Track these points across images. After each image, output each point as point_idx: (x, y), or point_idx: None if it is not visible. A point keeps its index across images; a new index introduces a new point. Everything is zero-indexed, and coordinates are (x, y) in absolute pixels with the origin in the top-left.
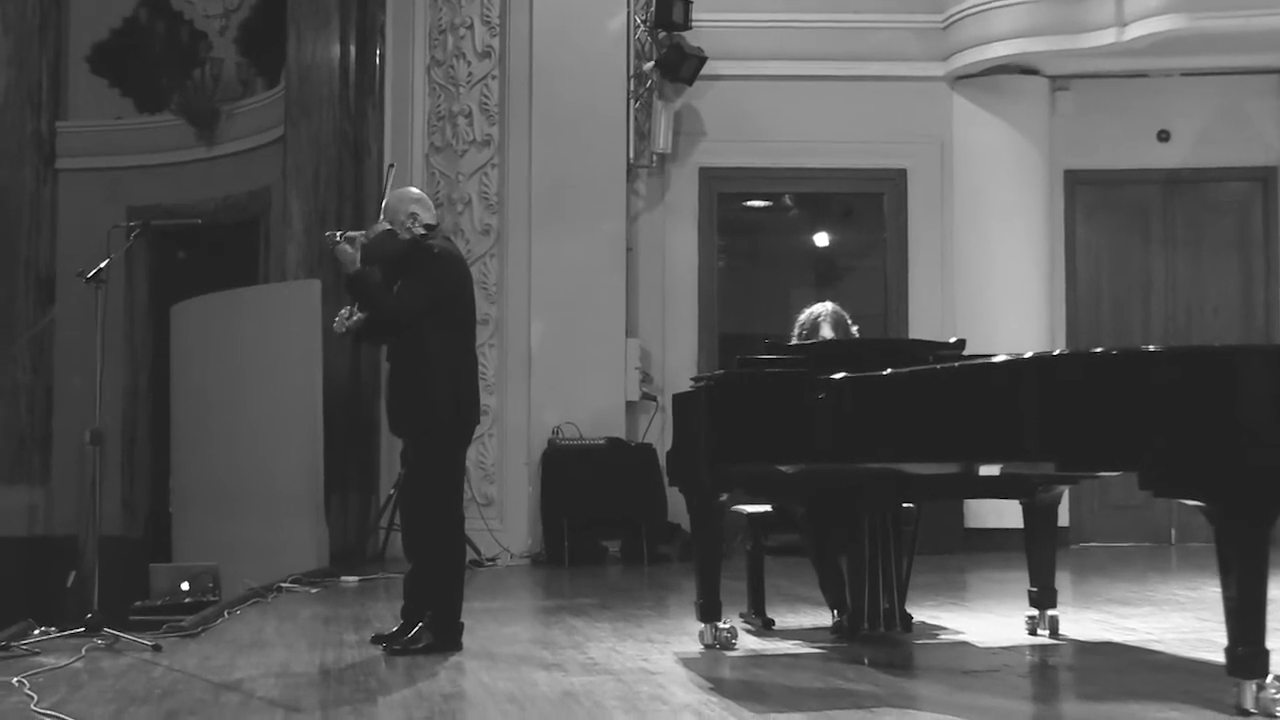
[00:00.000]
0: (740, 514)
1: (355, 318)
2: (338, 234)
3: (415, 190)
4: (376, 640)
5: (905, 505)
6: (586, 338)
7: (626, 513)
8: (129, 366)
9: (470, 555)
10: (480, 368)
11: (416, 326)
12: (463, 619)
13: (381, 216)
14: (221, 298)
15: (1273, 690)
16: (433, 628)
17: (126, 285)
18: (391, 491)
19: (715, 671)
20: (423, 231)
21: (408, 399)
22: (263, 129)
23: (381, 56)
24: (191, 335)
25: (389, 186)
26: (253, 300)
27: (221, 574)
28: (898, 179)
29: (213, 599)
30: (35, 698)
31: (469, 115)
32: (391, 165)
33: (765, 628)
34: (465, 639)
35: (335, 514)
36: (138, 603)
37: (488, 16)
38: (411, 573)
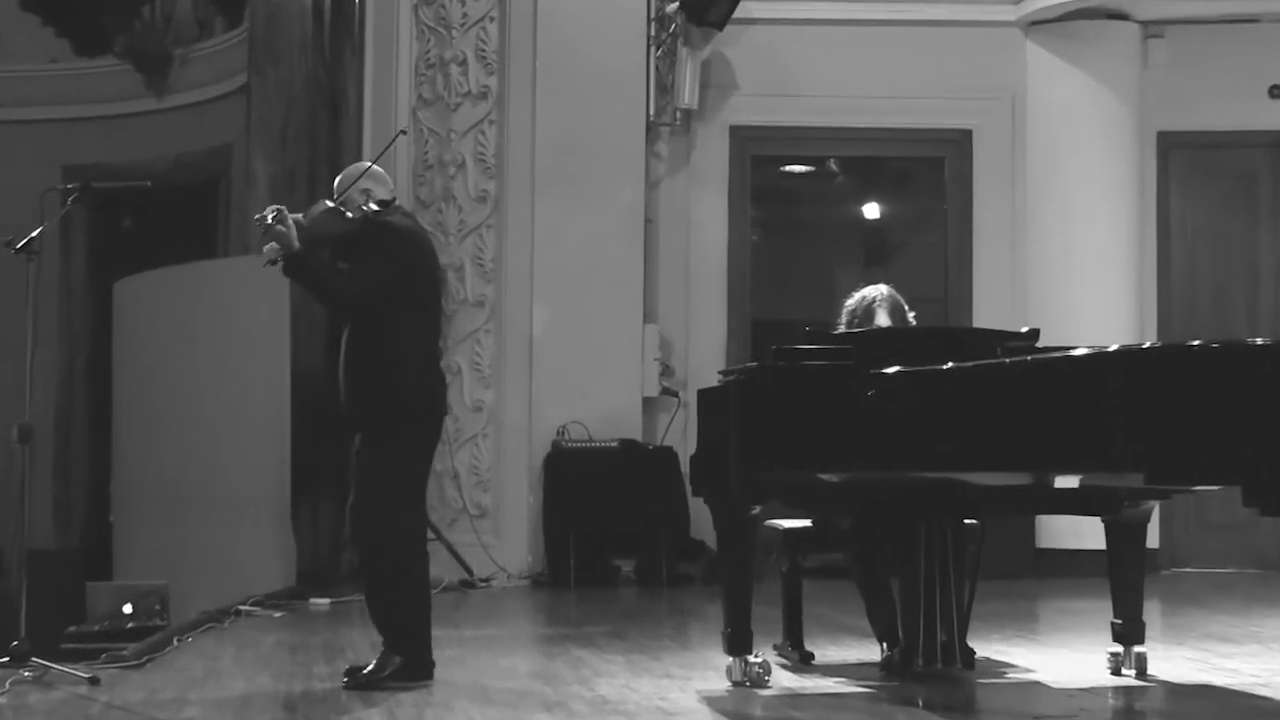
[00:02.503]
0: (775, 529)
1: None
2: (269, 215)
3: (368, 165)
4: (351, 674)
5: (968, 521)
6: (598, 323)
7: (642, 526)
8: (64, 352)
9: (461, 575)
10: (474, 357)
11: (379, 310)
12: (448, 648)
13: (334, 193)
14: (173, 273)
15: None
16: (396, 652)
17: (62, 257)
18: None
19: (745, 712)
20: (375, 208)
21: (372, 389)
22: (222, 76)
23: None
24: (138, 316)
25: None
26: (210, 276)
27: (171, 594)
28: (961, 141)
29: (160, 623)
30: None
31: (463, 63)
32: (403, 132)
33: (803, 662)
34: (455, 672)
35: (304, 525)
36: (72, 628)
37: None
38: (371, 596)
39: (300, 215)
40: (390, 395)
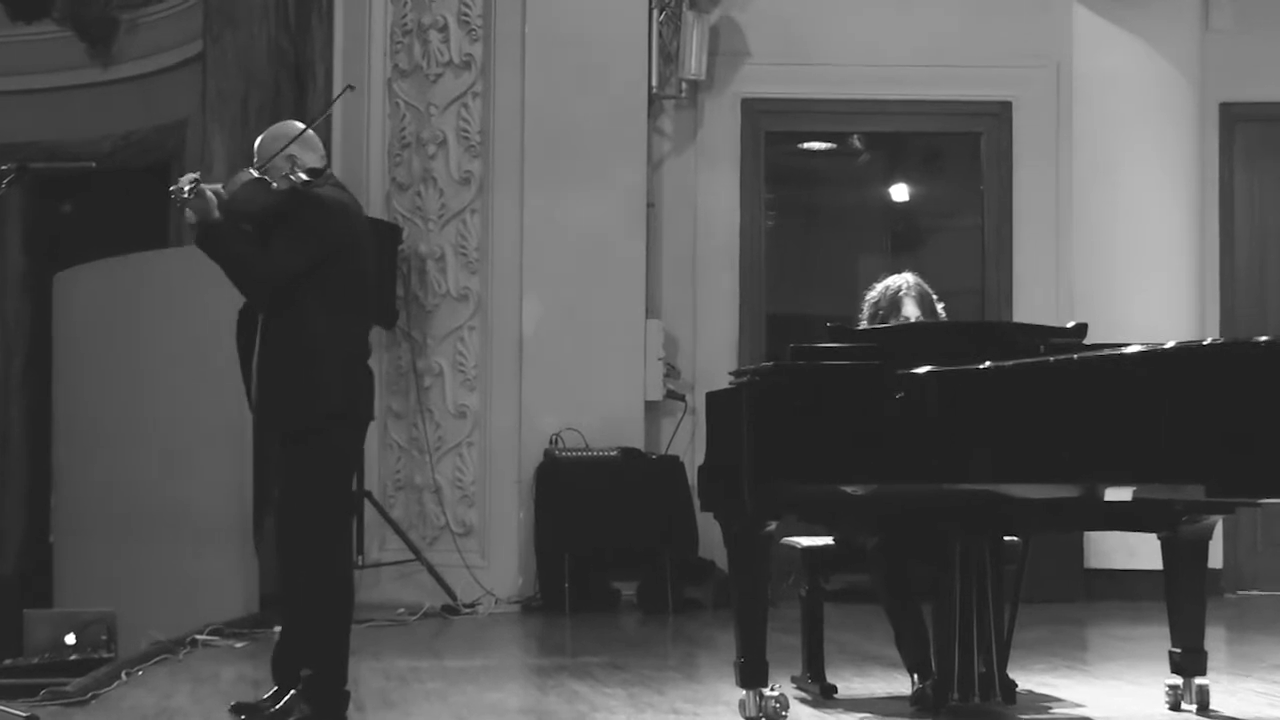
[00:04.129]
0: (793, 548)
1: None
2: (185, 186)
3: (298, 126)
4: (237, 710)
5: (1008, 539)
6: (595, 319)
7: (645, 545)
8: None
9: (443, 599)
10: (457, 357)
11: (298, 298)
12: (429, 681)
13: (255, 160)
14: (121, 264)
15: None
16: (309, 694)
17: None
18: None
19: None
20: (304, 178)
21: (286, 385)
22: (175, 44)
23: None
24: (81, 312)
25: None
26: (162, 268)
27: (118, 622)
28: (1000, 115)
29: (107, 655)
30: None
31: (444, 29)
32: (350, 88)
33: (824, 695)
34: (437, 708)
35: (268, 544)
36: (7, 660)
37: None
38: (286, 620)
39: (220, 186)
40: (306, 393)
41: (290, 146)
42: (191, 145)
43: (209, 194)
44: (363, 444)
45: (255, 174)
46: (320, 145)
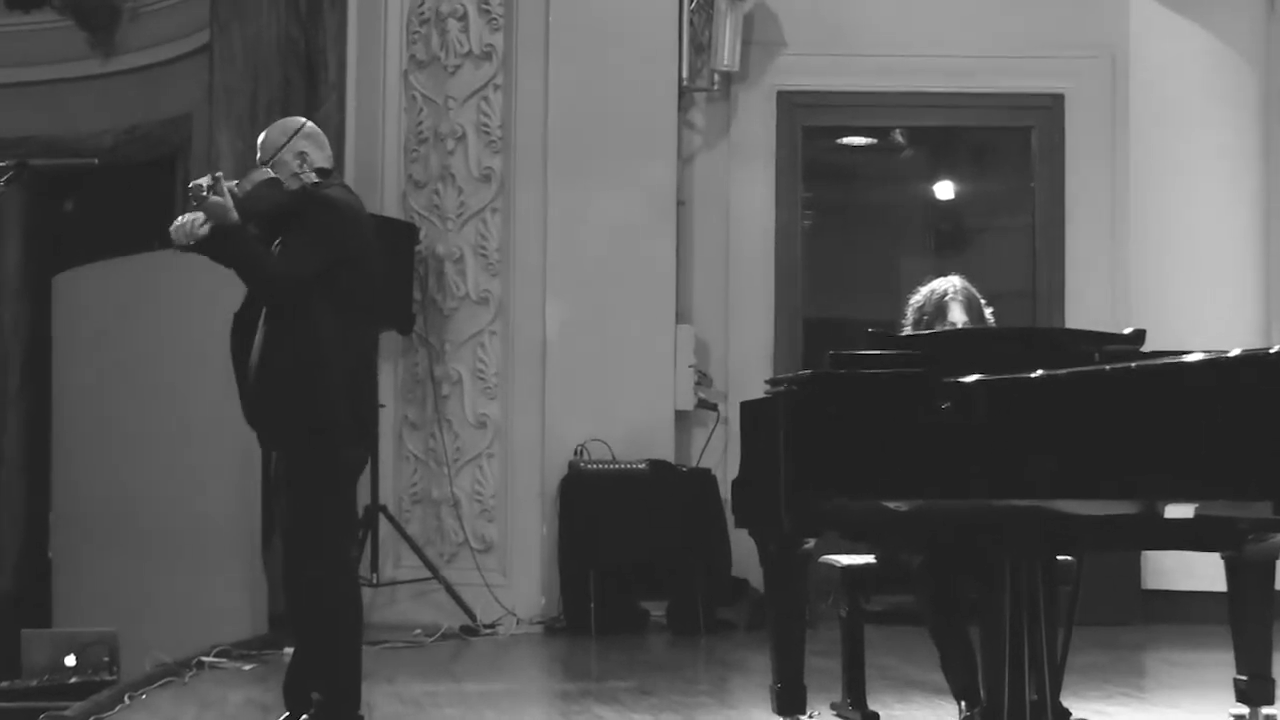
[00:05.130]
0: (833, 567)
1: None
2: (205, 185)
3: (307, 122)
4: None
5: (1061, 558)
6: (622, 324)
7: (675, 563)
8: None
9: (462, 619)
10: (477, 364)
11: (305, 302)
12: (447, 706)
13: (261, 156)
14: (123, 265)
15: None
16: (321, 719)
17: None
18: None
19: None
20: (314, 178)
21: (286, 390)
22: (180, 34)
23: None
24: (82, 316)
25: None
26: (167, 269)
27: (121, 643)
28: (1052, 107)
29: (109, 678)
30: None
31: (463, 17)
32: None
33: None
34: None
35: (277, 561)
36: (4, 683)
37: None
38: (298, 641)
39: (235, 183)
40: (307, 396)
41: (300, 143)
42: (197, 140)
43: (228, 194)
44: (368, 456)
45: (270, 173)
46: (328, 144)
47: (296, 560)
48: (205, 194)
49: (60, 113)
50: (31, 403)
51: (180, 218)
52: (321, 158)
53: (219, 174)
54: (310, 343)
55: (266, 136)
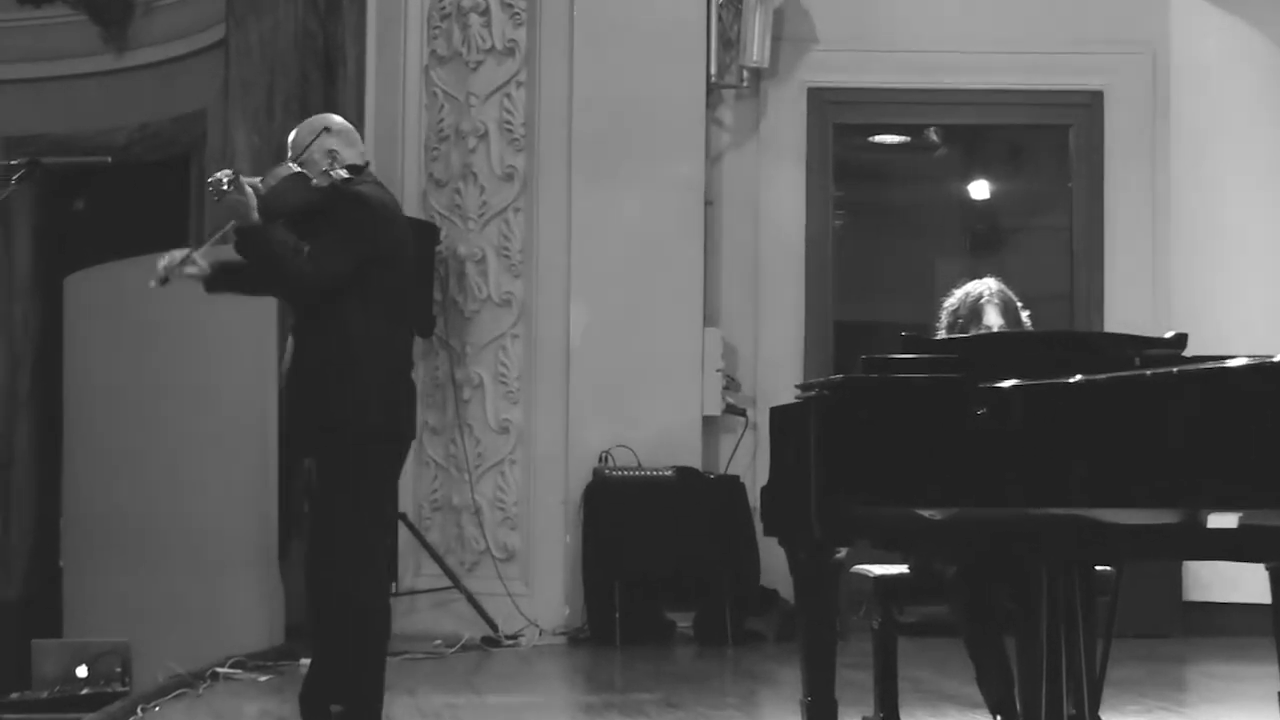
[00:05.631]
0: (865, 577)
1: (195, 263)
2: (224, 180)
3: (338, 118)
4: None
5: (1099, 568)
6: (648, 327)
7: (702, 572)
8: (5, 361)
9: (483, 630)
10: (499, 368)
11: (337, 303)
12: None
13: (291, 154)
14: (137, 266)
15: None
16: None
17: (2, 248)
18: None
19: None
20: (345, 175)
21: (320, 396)
22: (195, 29)
23: None
24: (94, 318)
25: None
26: None
27: (133, 653)
28: (1091, 105)
29: (121, 689)
30: None
31: (485, 12)
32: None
33: None
34: None
35: (294, 569)
36: (14, 694)
37: None
38: (316, 652)
39: (258, 180)
40: (342, 401)
41: (330, 140)
42: (212, 138)
43: (249, 190)
44: (402, 463)
45: (295, 168)
46: (360, 141)
47: (322, 571)
48: (225, 188)
49: (72, 109)
50: (42, 406)
51: (167, 255)
52: (353, 154)
53: (235, 170)
54: (341, 342)
55: (296, 134)
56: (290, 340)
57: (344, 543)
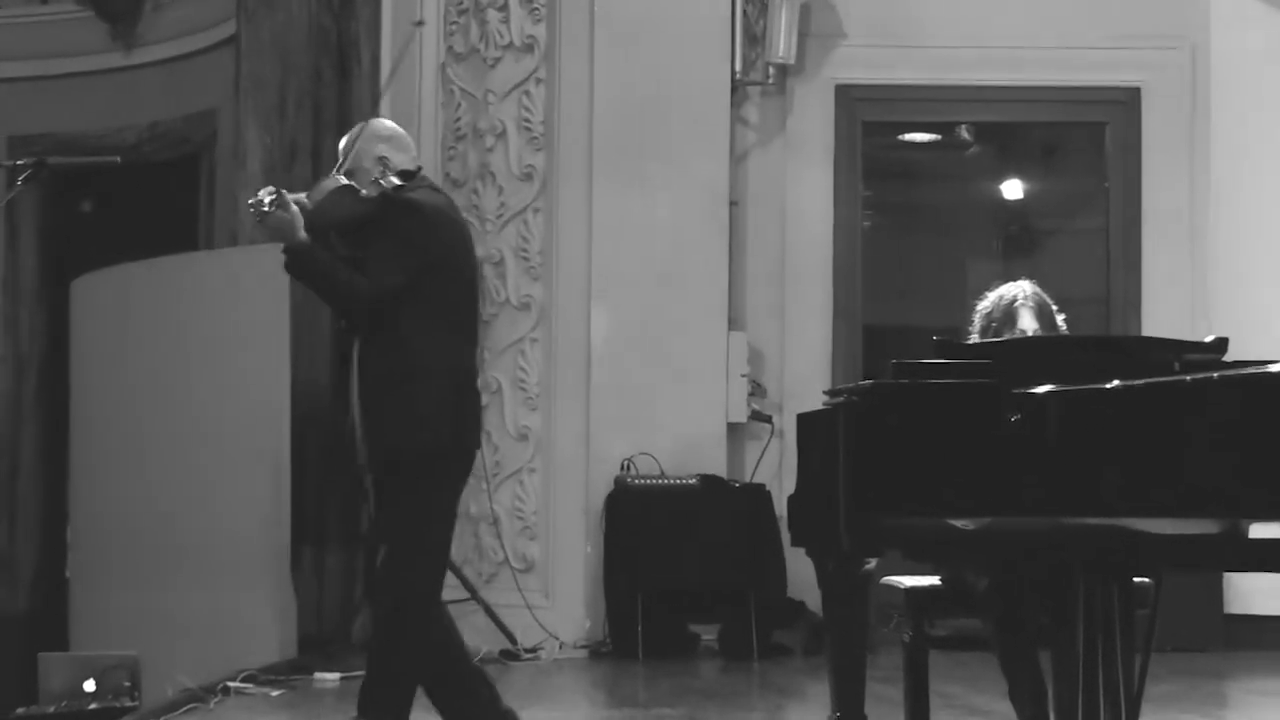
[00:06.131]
0: (895, 589)
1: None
2: (265, 199)
3: (388, 124)
4: None
5: (1138, 580)
6: (671, 331)
7: (728, 584)
8: (10, 366)
9: (502, 643)
10: (518, 373)
11: (395, 317)
12: None
13: (340, 163)
14: (145, 269)
15: None
16: None
17: (7, 250)
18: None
19: None
20: (396, 182)
21: (383, 416)
22: (205, 25)
23: None
24: (101, 322)
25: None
26: (190, 273)
27: (142, 667)
28: (1128, 102)
29: (130, 704)
30: None
31: (503, 8)
32: (420, 22)
33: None
34: None
35: (307, 580)
36: (20, 709)
37: None
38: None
39: (303, 195)
40: (404, 421)
41: (380, 147)
42: (223, 136)
43: (293, 207)
44: (464, 480)
45: (344, 180)
46: (411, 145)
47: (380, 592)
48: (267, 209)
49: (79, 108)
50: (48, 413)
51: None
52: (404, 159)
53: (276, 188)
54: (401, 358)
55: (345, 142)
56: (355, 360)
57: (402, 560)
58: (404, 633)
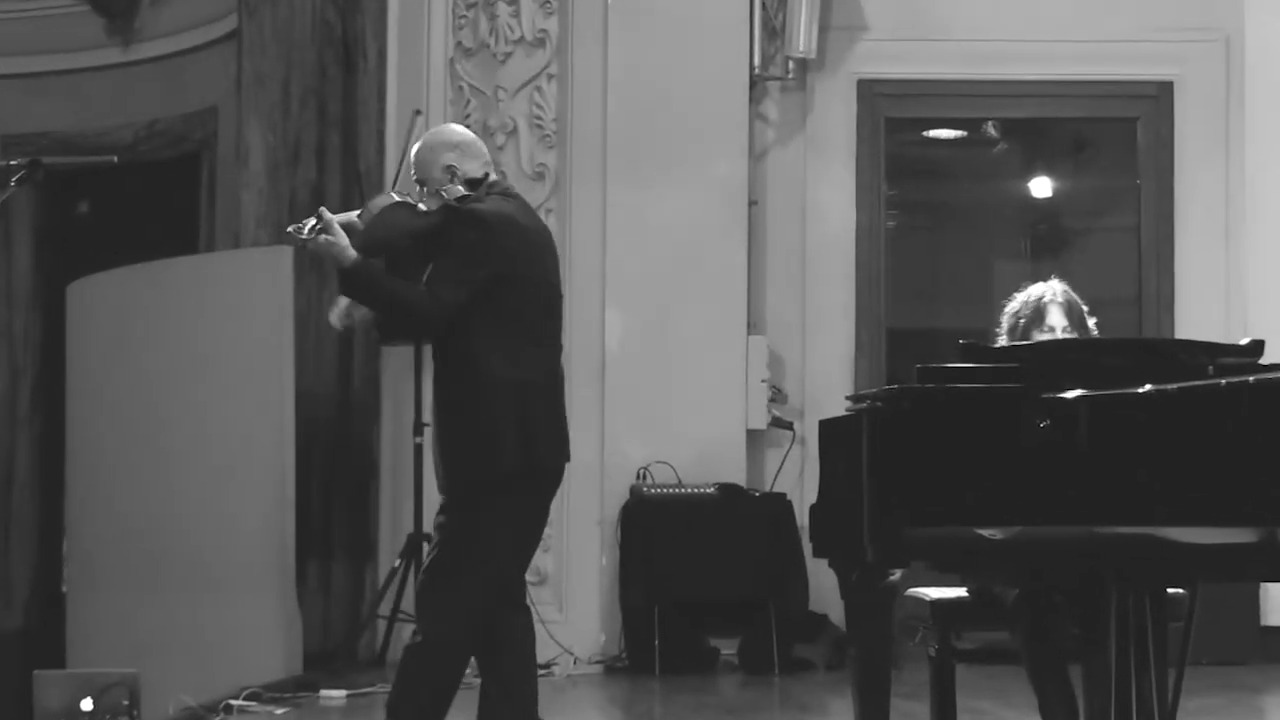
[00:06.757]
0: (921, 601)
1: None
2: (305, 226)
3: (458, 130)
4: None
5: (1172, 591)
6: (688, 335)
7: (748, 596)
8: (5, 374)
9: None
10: None
11: (465, 332)
12: None
13: (398, 178)
14: (143, 272)
15: None
16: None
17: (1, 253)
18: (397, 563)
19: None
20: (462, 191)
21: (450, 437)
22: (206, 20)
23: None
24: (99, 327)
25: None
26: (190, 276)
27: (142, 685)
28: (1159, 97)
29: None
30: None
31: (514, 1)
32: (418, 113)
33: None
34: None
35: (313, 595)
36: None
37: None
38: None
39: (355, 214)
40: (470, 439)
41: (446, 156)
42: (224, 135)
43: (338, 230)
44: (544, 500)
45: (396, 197)
46: (483, 150)
47: (424, 612)
48: (306, 235)
49: (75, 106)
50: (43, 422)
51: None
52: (474, 167)
53: (321, 211)
54: (471, 377)
55: (414, 154)
56: (433, 377)
57: (452, 581)
58: (426, 663)
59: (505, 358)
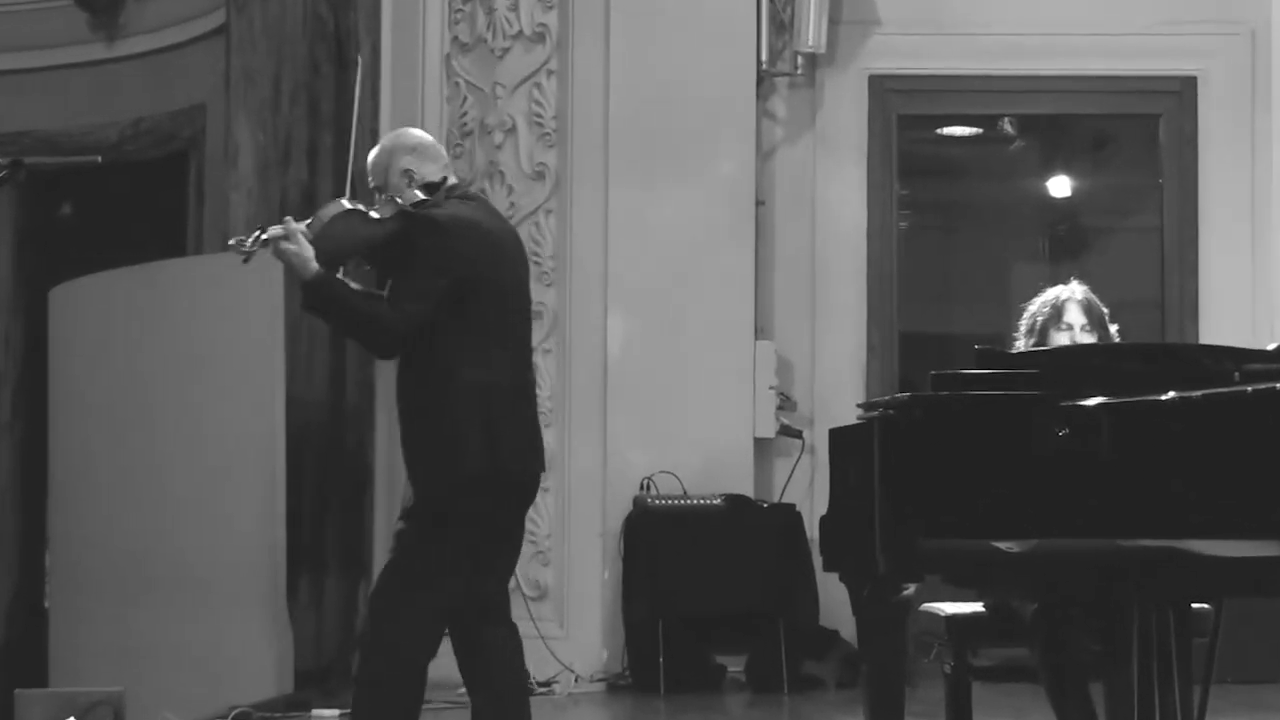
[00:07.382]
0: (935, 616)
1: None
2: (247, 240)
3: (414, 132)
4: None
5: (1196, 606)
6: (694, 340)
7: (755, 611)
8: None
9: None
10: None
11: (428, 342)
12: None
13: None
14: (128, 276)
15: None
16: None
17: None
18: None
19: None
20: (419, 196)
21: (415, 447)
22: (193, 15)
23: None
24: (82, 333)
25: (356, 101)
26: (177, 280)
27: (128, 704)
28: (1182, 92)
29: None
30: None
31: None
32: (359, 58)
33: None
34: None
35: (304, 610)
36: None
37: None
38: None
39: (304, 225)
40: (434, 447)
41: (403, 160)
42: (212, 133)
43: (302, 240)
44: (520, 517)
45: (346, 204)
46: (442, 153)
47: (375, 623)
48: (250, 248)
49: (58, 104)
50: (25, 431)
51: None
52: (432, 170)
53: (262, 226)
54: (432, 382)
55: (371, 158)
56: (395, 390)
57: (407, 595)
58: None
59: (470, 361)
